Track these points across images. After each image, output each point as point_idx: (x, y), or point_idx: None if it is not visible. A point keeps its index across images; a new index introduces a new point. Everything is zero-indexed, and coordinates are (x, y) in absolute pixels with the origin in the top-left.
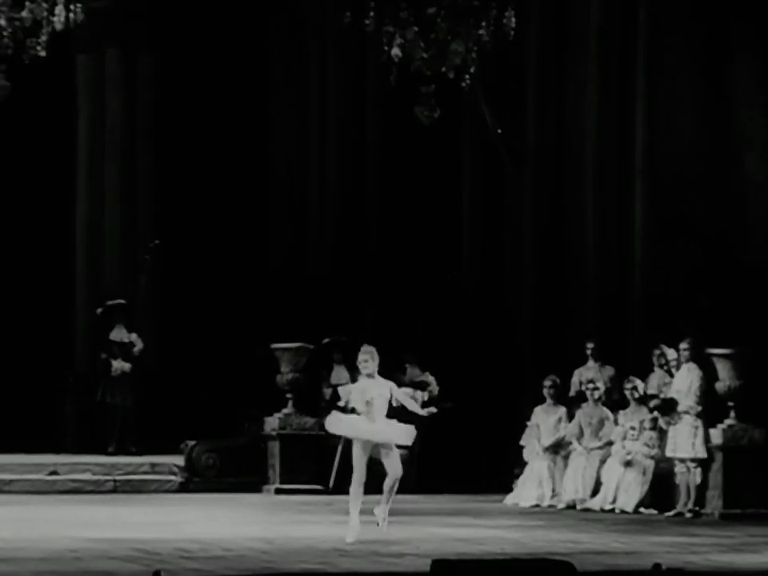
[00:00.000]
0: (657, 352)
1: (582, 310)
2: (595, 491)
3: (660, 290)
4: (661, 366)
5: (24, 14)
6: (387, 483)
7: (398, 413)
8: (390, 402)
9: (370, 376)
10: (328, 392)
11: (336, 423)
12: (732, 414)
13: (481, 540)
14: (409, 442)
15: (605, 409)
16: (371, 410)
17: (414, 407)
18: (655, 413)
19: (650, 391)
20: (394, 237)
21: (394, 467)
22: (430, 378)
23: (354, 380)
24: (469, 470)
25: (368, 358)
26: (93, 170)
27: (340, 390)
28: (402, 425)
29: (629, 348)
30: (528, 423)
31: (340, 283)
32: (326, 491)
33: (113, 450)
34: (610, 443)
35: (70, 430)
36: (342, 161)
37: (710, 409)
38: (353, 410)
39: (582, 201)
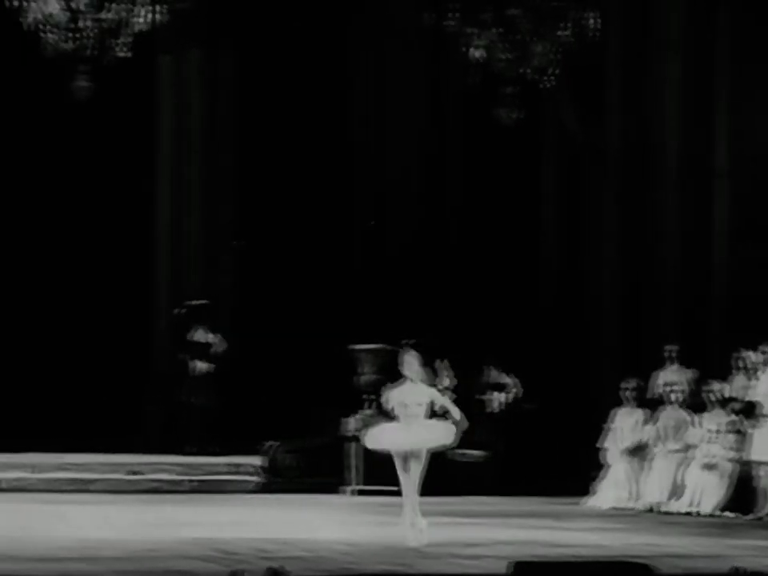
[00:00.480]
0: (736, 355)
1: (664, 312)
2: (676, 494)
3: (742, 292)
4: (740, 369)
5: (109, 15)
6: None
7: None
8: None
9: (412, 381)
10: None
11: (374, 439)
12: None
13: (560, 542)
14: (449, 441)
15: (686, 412)
16: (407, 414)
17: (457, 414)
18: (734, 415)
19: (732, 394)
20: (475, 238)
21: (413, 475)
22: (514, 380)
23: (432, 382)
24: (550, 472)
25: (411, 363)
26: (175, 171)
27: (384, 395)
28: (440, 424)
29: (710, 351)
30: (608, 426)
31: (421, 284)
32: None
33: (194, 450)
34: (690, 446)
35: (152, 430)
36: (422, 162)
37: None
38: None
39: (664, 202)
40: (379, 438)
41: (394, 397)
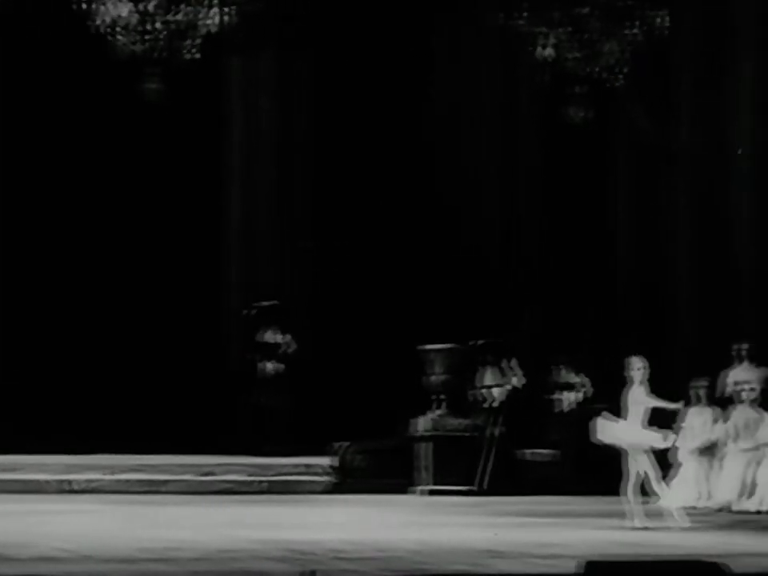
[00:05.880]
0: None
1: (735, 310)
2: (747, 493)
3: None
4: None
5: (179, 17)
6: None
7: None
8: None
9: (640, 384)
10: (478, 393)
11: (601, 430)
12: None
13: (632, 542)
14: (661, 445)
15: (760, 410)
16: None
17: (666, 405)
18: None
19: None
20: (548, 238)
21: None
22: (584, 380)
23: (504, 382)
24: (621, 472)
25: (641, 367)
26: (246, 173)
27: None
28: (652, 431)
29: None
30: (680, 425)
31: (492, 285)
32: (478, 492)
33: (267, 451)
34: (762, 445)
35: (225, 430)
36: (495, 161)
37: None
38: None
39: (737, 201)
40: (605, 431)
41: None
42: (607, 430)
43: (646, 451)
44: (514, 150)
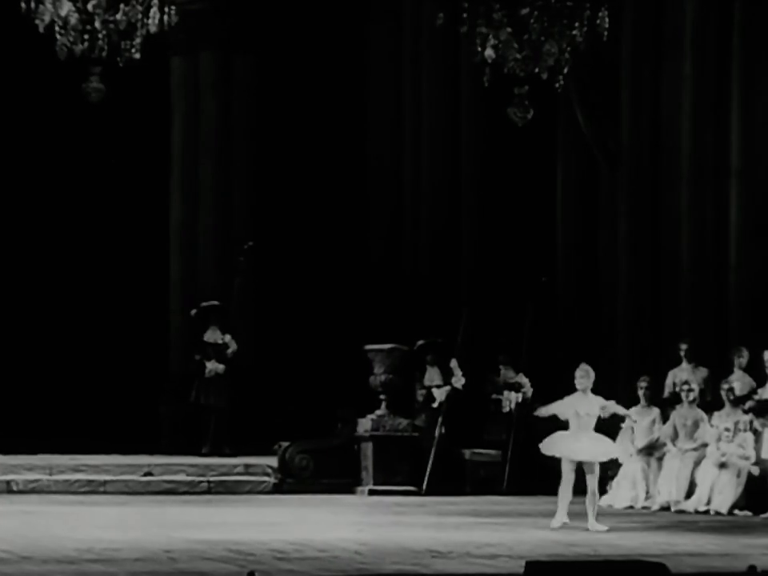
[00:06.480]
0: (737, 353)
1: (677, 310)
2: (690, 493)
3: (755, 291)
4: (741, 368)
5: (118, 16)
6: (587, 498)
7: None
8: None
9: (583, 392)
10: (421, 393)
11: (549, 445)
12: None
13: (575, 542)
14: (605, 459)
15: (699, 410)
16: (579, 424)
17: (624, 412)
18: (750, 414)
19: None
20: (488, 238)
21: (590, 483)
22: (524, 380)
23: (446, 382)
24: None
25: (584, 375)
26: (187, 172)
27: (543, 409)
28: (605, 442)
29: (722, 349)
30: (622, 425)
31: (434, 285)
32: (420, 493)
33: (207, 451)
34: (704, 445)
35: (165, 431)
36: (436, 161)
37: None
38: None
39: (677, 201)
40: (555, 445)
41: (567, 406)
42: (562, 444)
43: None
44: (455, 151)
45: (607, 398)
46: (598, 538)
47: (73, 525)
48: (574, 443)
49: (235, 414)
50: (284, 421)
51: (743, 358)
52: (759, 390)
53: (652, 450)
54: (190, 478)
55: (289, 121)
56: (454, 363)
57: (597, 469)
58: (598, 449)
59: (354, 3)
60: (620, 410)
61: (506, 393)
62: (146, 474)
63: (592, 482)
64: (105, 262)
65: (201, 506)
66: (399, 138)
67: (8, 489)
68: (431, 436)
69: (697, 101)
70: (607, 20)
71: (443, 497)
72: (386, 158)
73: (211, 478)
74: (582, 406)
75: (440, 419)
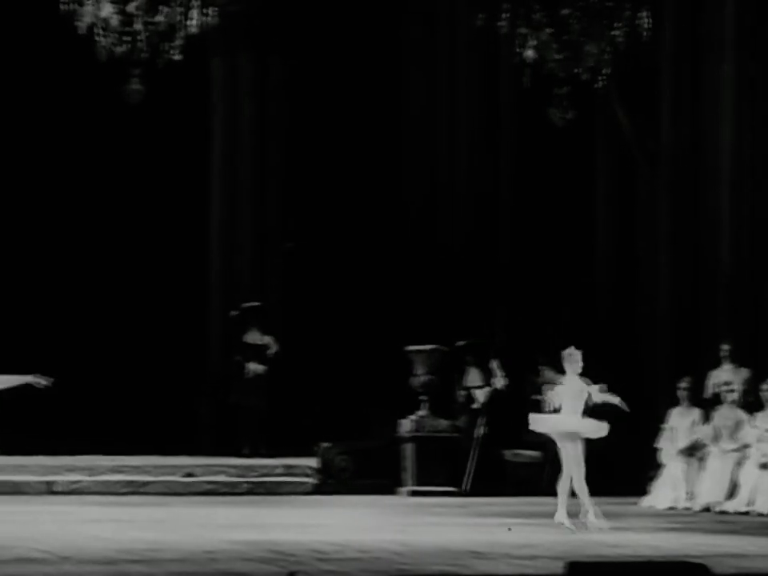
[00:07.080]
0: None
1: (718, 311)
2: (731, 494)
3: None
4: None
5: (159, 18)
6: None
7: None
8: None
9: (572, 375)
10: (461, 394)
11: (538, 422)
12: None
13: (616, 543)
14: (599, 435)
15: (740, 411)
16: (567, 408)
17: (615, 401)
18: None
19: None
20: (528, 238)
21: (567, 466)
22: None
23: (487, 383)
24: (606, 472)
25: (568, 358)
26: (227, 174)
27: (549, 394)
28: (594, 421)
29: (764, 350)
30: (664, 426)
31: (474, 285)
32: (460, 493)
33: (247, 452)
34: (746, 446)
35: (206, 432)
36: (474, 163)
37: None
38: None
39: (717, 201)
40: (543, 421)
41: (559, 391)
42: (542, 421)
43: (577, 441)
44: (494, 152)
45: (649, 400)
46: (639, 539)
47: (113, 526)
48: (561, 419)
49: (275, 414)
50: (316, 422)
51: None
52: None
53: (693, 451)
54: (230, 479)
55: (324, 122)
56: (494, 364)
57: (580, 447)
58: (584, 423)
59: (389, 5)
60: (611, 399)
61: (546, 393)
62: (186, 475)
63: (569, 463)
64: (145, 264)
65: (241, 506)
66: (435, 140)
67: (49, 490)
68: (472, 437)
69: (736, 101)
70: (648, 20)
71: (484, 497)
72: (421, 159)
73: (252, 479)
74: (570, 389)
75: (480, 420)
